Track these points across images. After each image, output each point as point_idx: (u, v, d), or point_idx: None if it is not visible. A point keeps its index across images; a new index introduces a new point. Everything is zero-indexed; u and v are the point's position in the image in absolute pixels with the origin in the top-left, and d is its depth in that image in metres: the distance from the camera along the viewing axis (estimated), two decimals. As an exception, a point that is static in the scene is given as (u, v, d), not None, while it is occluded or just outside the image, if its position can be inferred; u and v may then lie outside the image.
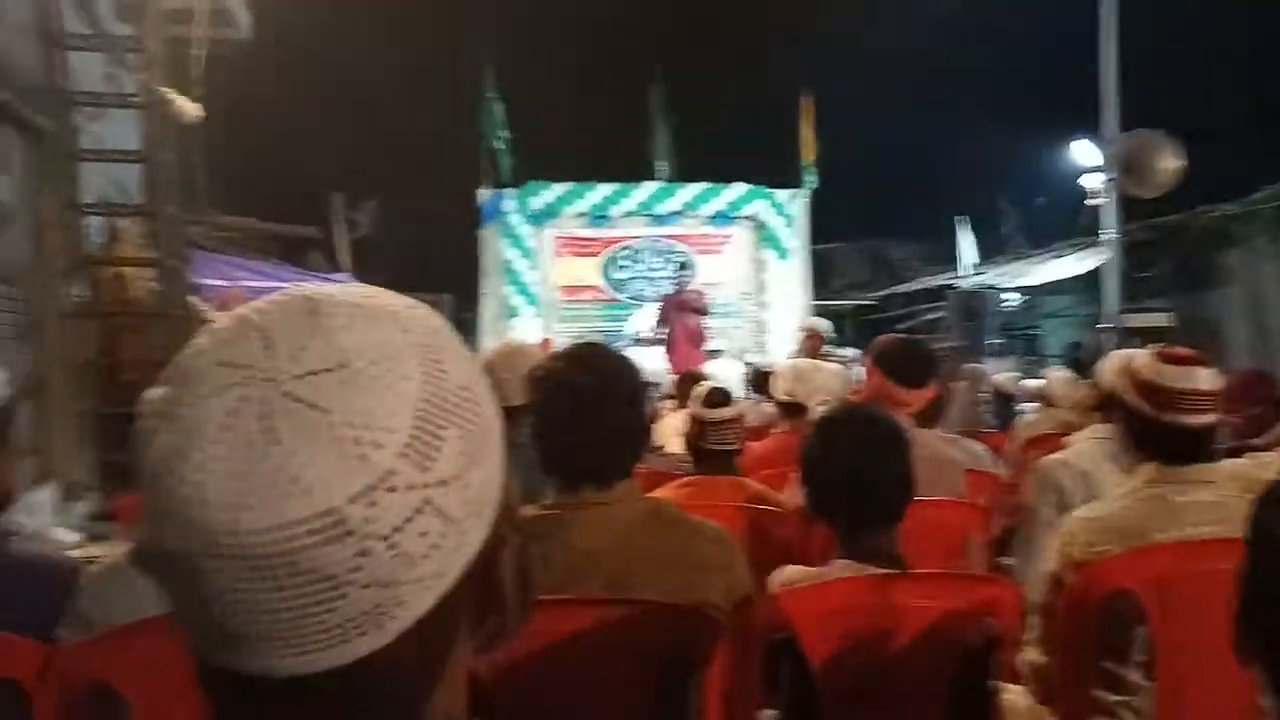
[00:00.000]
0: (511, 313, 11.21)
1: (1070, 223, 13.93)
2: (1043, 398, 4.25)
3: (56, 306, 6.35)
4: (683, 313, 9.64)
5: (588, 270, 11.78)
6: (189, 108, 6.55)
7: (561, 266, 11.70)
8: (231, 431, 0.47)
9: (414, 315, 0.53)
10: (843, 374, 4.13)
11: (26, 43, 6.02)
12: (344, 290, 0.53)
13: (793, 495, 2.60)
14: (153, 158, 6.66)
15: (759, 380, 5.96)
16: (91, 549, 3.40)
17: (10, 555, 1.59)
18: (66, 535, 5.00)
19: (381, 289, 0.55)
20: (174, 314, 6.51)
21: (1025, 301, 14.88)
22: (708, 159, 12.37)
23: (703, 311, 9.88)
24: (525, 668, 1.47)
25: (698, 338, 9.59)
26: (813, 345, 6.53)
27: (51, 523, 5.49)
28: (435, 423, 0.49)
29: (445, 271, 13.22)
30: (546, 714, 1.49)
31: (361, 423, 0.47)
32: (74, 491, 6.14)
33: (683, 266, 10.50)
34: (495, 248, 11.34)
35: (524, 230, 11.36)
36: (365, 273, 10.66)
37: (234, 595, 0.46)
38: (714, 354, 9.17)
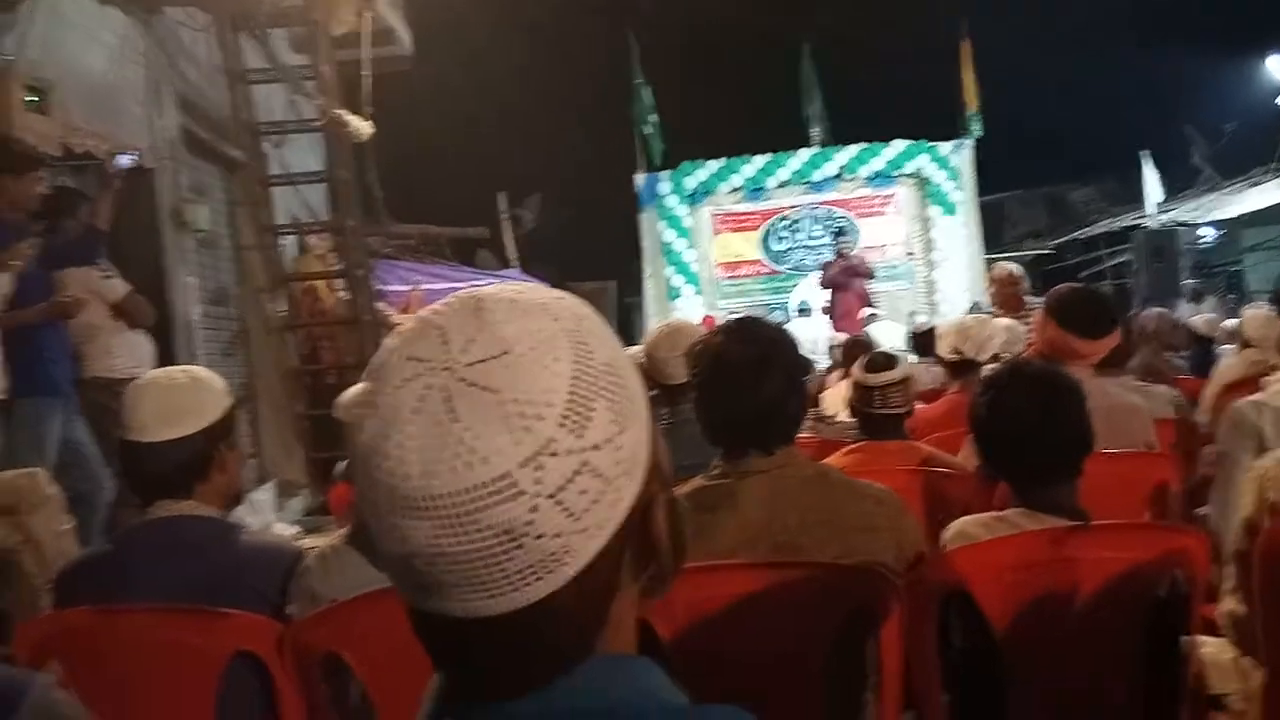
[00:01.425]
0: (673, 294, 11.33)
1: (1268, 147, 12.74)
2: (1239, 338, 3.96)
3: (261, 321, 6.93)
4: (847, 278, 9.47)
5: (746, 245, 11.76)
6: (362, 126, 6.98)
7: (720, 243, 11.73)
8: (421, 414, 0.56)
9: (562, 305, 0.62)
10: (1013, 327, 3.99)
11: (216, 83, 6.58)
12: (503, 288, 0.63)
13: (968, 457, 2.56)
14: (334, 176, 7.14)
15: (925, 341, 5.82)
16: (308, 540, 3.73)
17: (244, 544, 1.80)
18: (285, 529, 5.48)
19: (534, 284, 0.64)
20: (364, 320, 6.97)
21: (1221, 237, 13.75)
22: (863, 118, 12.03)
23: (868, 275, 9.66)
24: (700, 633, 1.54)
25: (864, 303, 9.40)
26: (1006, 294, 5.46)
27: (271, 518, 6.04)
28: (586, 395, 0.57)
29: (608, 258, 13.49)
30: (723, 678, 1.55)
31: (525, 399, 0.56)
32: (288, 489, 6.71)
33: (841, 232, 10.27)
34: (654, 231, 11.48)
35: (680, 211, 11.45)
36: (532, 266, 11.02)
37: (432, 549, 0.55)
38: (874, 318, 8.95)
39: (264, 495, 6.16)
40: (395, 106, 8.11)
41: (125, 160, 4.39)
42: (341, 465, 3.92)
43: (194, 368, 1.91)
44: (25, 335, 3.71)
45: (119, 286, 4.43)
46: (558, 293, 0.64)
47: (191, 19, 6.25)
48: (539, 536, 0.55)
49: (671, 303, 11.19)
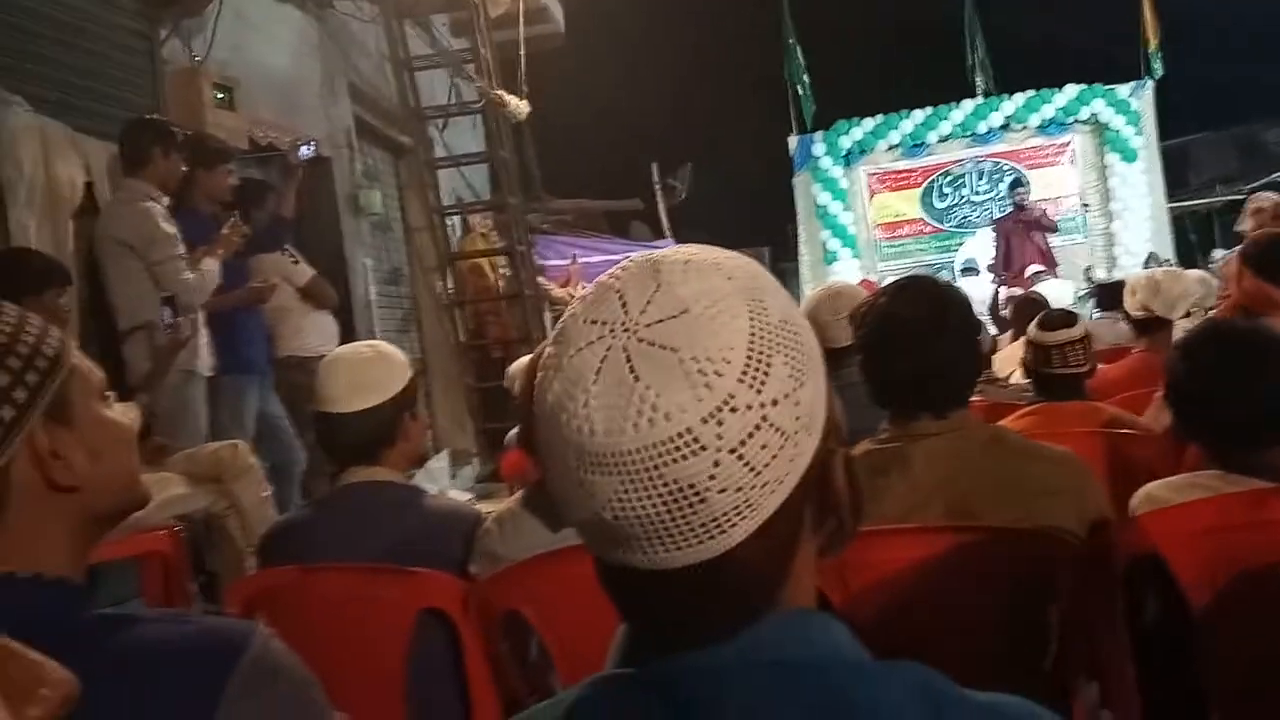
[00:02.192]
0: (830, 258, 11.10)
1: None
2: None
3: (431, 299, 7.26)
4: (1028, 231, 8.97)
5: (906, 204, 11.37)
6: (520, 105, 7.16)
7: (878, 204, 11.39)
8: (604, 374, 0.58)
9: (735, 264, 0.63)
10: (1205, 280, 3.71)
11: (383, 71, 6.89)
12: (678, 250, 0.64)
13: (1155, 418, 2.41)
14: (494, 156, 7.37)
15: (1110, 295, 5.49)
16: (481, 505, 3.90)
17: (428, 507, 1.91)
18: (460, 495, 5.75)
19: (708, 246, 0.65)
20: (526, 295, 7.18)
21: None
22: (1031, 63, 11.37)
23: (1050, 228, 9.14)
24: (871, 599, 1.52)
25: (1044, 259, 8.91)
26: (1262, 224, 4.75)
27: (446, 485, 6.34)
28: (764, 351, 0.58)
29: (761, 224, 13.34)
30: (896, 644, 1.53)
31: (704, 356, 0.57)
32: (460, 458, 7.04)
33: (1018, 183, 9.71)
34: (808, 194, 11.26)
35: (835, 172, 11.17)
36: (685, 235, 11.04)
37: (618, 504, 0.57)
38: (1041, 276, 8.47)
39: (439, 464, 6.47)
40: (550, 84, 8.27)
41: (306, 151, 4.66)
42: (512, 434, 4.07)
43: (379, 342, 2.02)
44: (226, 318, 4.02)
45: (306, 271, 4.73)
46: (731, 253, 0.65)
47: (360, 11, 6.55)
48: (721, 490, 0.57)
49: (828, 267, 10.97)
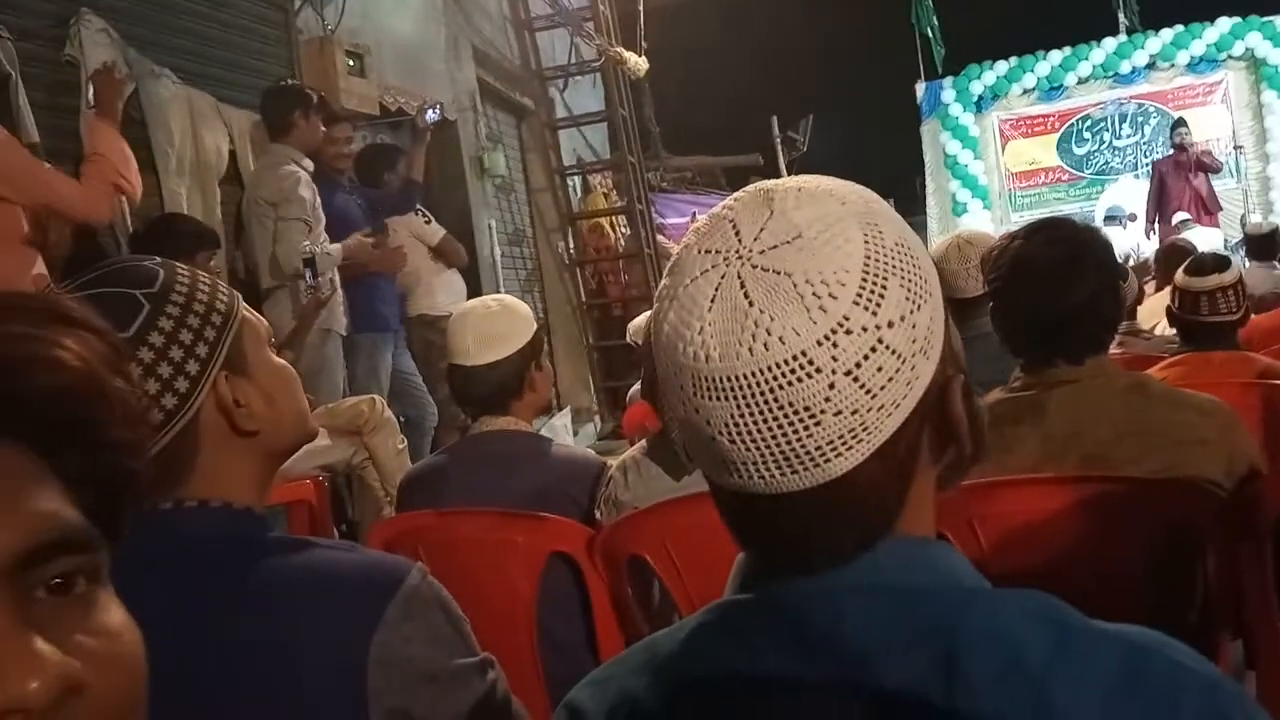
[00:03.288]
0: (958, 209, 10.71)
1: None
2: None
3: (553, 258, 7.38)
4: (1187, 174, 8.42)
5: (1042, 151, 10.84)
6: (639, 62, 7.14)
7: (1011, 151, 10.90)
8: (718, 301, 0.59)
9: (849, 189, 0.63)
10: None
11: (503, 33, 6.97)
12: (790, 179, 0.65)
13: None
14: (613, 115, 7.38)
15: (1264, 244, 5.13)
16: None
17: (555, 456, 1.96)
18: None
19: (819, 176, 0.65)
20: (646, 253, 7.22)
21: None
22: (1180, -4, 10.63)
23: (1214, 168, 8.55)
24: (1004, 552, 1.49)
25: (1206, 203, 8.36)
26: None
27: (569, 442, 6.48)
28: (879, 274, 0.58)
29: (885, 176, 12.93)
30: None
31: (819, 279, 0.57)
32: (582, 416, 7.17)
33: (1179, 123, 9.01)
34: (936, 143, 10.87)
35: (966, 119, 10.74)
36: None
37: (733, 429, 0.58)
38: (1188, 224, 7.95)
39: (561, 421, 6.61)
40: (668, 40, 8.21)
41: (433, 115, 4.77)
42: (634, 390, 4.12)
43: (505, 296, 2.08)
44: (362, 280, 4.18)
45: (437, 230, 4.87)
46: (843, 181, 0.65)
47: (481, -27, 6.64)
48: (836, 413, 0.57)
49: (956, 220, 10.59)
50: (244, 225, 3.87)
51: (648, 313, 4.07)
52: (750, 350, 0.57)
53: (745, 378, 0.57)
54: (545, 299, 7.34)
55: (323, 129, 3.89)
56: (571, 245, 7.38)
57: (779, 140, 11.83)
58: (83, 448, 0.46)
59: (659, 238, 7.72)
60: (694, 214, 8.60)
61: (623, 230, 7.59)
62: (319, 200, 3.76)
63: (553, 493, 1.86)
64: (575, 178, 7.71)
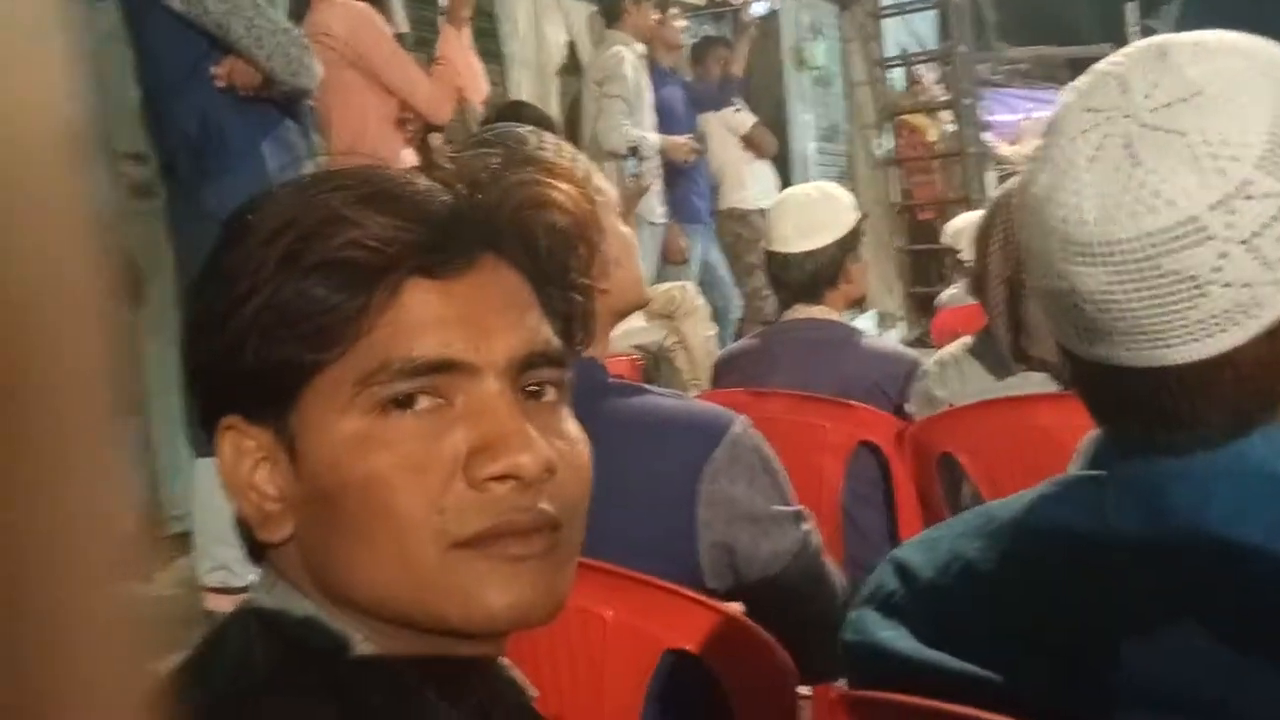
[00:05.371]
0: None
1: None
2: None
3: (867, 156, 7.15)
4: None
5: None
6: (977, -57, 6.60)
7: None
8: (1098, 162, 0.56)
9: (1254, 44, 0.58)
10: None
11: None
12: (1186, 34, 0.59)
13: None
14: (946, 2, 6.92)
15: None
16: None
17: (867, 347, 1.96)
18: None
19: (1220, 30, 0.59)
20: (969, 152, 6.80)
21: None
22: None
23: None
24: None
25: None
26: None
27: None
28: None
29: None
30: None
31: (1218, 140, 0.53)
32: (887, 321, 7.00)
33: None
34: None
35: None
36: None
37: (1105, 297, 0.56)
38: None
39: (866, 323, 6.50)
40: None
41: (760, 8, 4.73)
42: (944, 294, 3.97)
43: (827, 184, 2.08)
44: (678, 171, 4.31)
45: (747, 119, 4.89)
46: (1244, 35, 0.59)
47: None
48: (1226, 285, 0.53)
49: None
50: (578, 114, 4.09)
51: (967, 214, 3.87)
52: (1132, 214, 0.54)
53: (1124, 242, 0.54)
54: (857, 198, 7.16)
55: (655, 16, 3.99)
56: (888, 142, 7.10)
57: (1136, 29, 10.53)
58: (562, 284, 0.55)
59: (985, 136, 7.23)
60: (1028, 112, 7.94)
61: (947, 126, 7.17)
62: (646, 82, 3.88)
63: (864, 382, 1.87)
64: (897, 71, 7.35)
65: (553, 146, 1.00)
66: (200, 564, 2.20)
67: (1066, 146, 0.58)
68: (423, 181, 0.51)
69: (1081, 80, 0.61)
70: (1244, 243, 0.53)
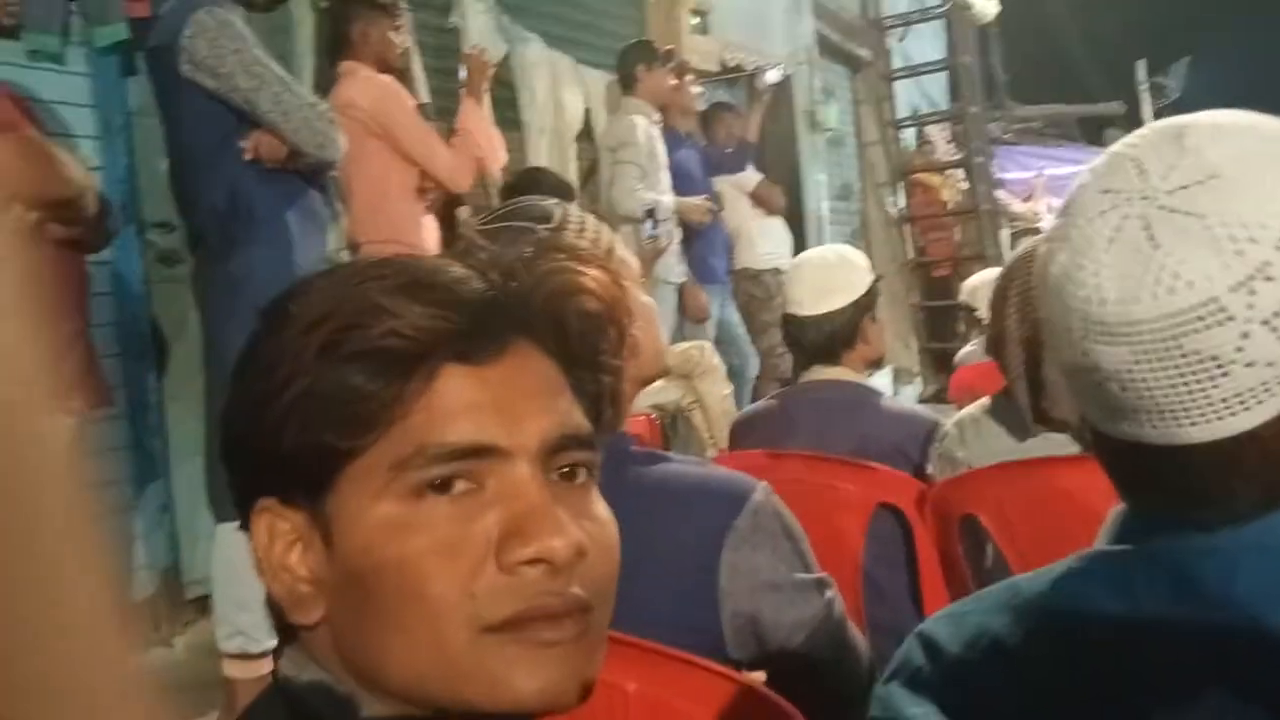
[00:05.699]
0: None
1: None
2: None
3: (881, 214, 7.20)
4: None
5: None
6: (987, 7, 6.73)
7: None
8: (1117, 244, 0.57)
9: (1272, 126, 0.59)
10: None
11: (844, -16, 6.84)
12: (1202, 115, 0.61)
13: None
14: (955, 64, 7.03)
15: None
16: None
17: (886, 408, 1.96)
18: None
19: (1235, 111, 0.61)
20: (982, 209, 6.84)
21: None
22: None
23: None
24: None
25: None
26: None
27: (890, 403, 6.35)
28: None
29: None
30: None
31: (1236, 223, 0.54)
32: (903, 377, 6.99)
33: None
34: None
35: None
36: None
37: (1128, 375, 0.57)
38: None
39: (881, 380, 6.50)
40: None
41: (774, 76, 4.81)
42: (964, 352, 3.97)
43: (843, 247, 2.10)
44: (696, 232, 4.35)
45: (752, 176, 4.94)
46: (1261, 115, 0.60)
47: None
48: (1249, 364, 0.54)
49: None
50: (594, 179, 4.15)
51: (983, 273, 3.87)
52: (1153, 295, 0.55)
53: (1145, 323, 0.55)
54: (871, 256, 7.20)
55: (672, 81, 4.06)
56: (901, 201, 7.16)
57: (1145, 86, 10.64)
58: (592, 366, 0.56)
59: (998, 194, 7.28)
60: (1040, 169, 8.00)
61: (959, 184, 7.23)
62: (661, 149, 3.94)
63: (883, 444, 1.87)
64: (909, 131, 7.45)
65: (576, 224, 1.02)
66: (219, 630, 2.19)
67: (1085, 227, 0.59)
68: (457, 269, 0.53)
69: (1098, 162, 0.62)
70: (1265, 322, 0.53)
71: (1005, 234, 7.11)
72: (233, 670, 2.16)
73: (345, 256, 2.86)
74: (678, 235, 4.10)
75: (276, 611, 0.54)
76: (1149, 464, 0.59)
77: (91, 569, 0.18)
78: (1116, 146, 0.62)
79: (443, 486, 0.50)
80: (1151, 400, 0.56)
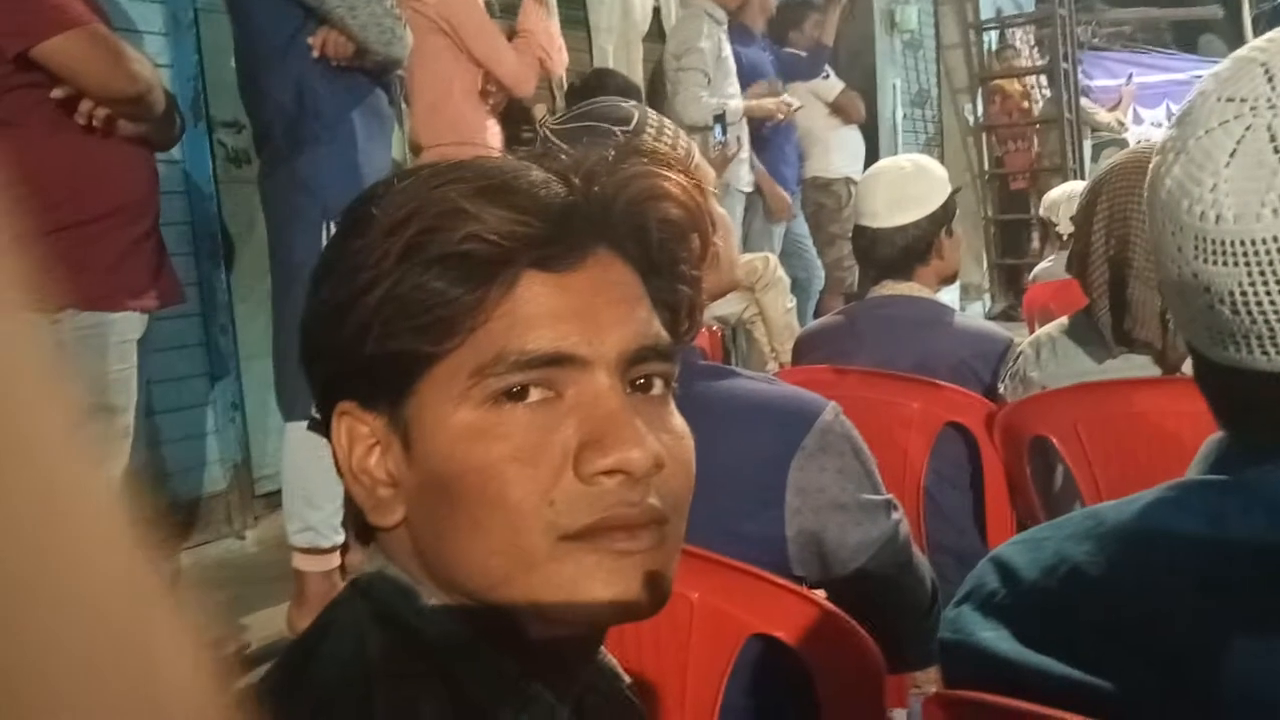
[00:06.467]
0: None
1: None
2: None
3: (957, 122, 6.94)
4: None
5: None
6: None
7: None
8: (1239, 156, 0.53)
9: None
10: None
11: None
12: None
13: None
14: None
15: None
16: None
17: (958, 325, 1.91)
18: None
19: None
20: (1065, 118, 6.55)
21: None
22: None
23: None
24: None
25: None
26: None
27: (957, 319, 6.21)
28: None
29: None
30: None
31: None
32: (971, 292, 6.83)
33: None
34: None
35: None
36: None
37: (1241, 298, 0.53)
38: None
39: (948, 296, 6.36)
40: None
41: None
42: (1039, 267, 3.85)
43: (920, 156, 2.01)
44: (765, 139, 4.24)
45: (835, 85, 4.77)
46: None
47: None
48: None
49: None
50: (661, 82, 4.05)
51: (1066, 185, 3.71)
52: (1275, 211, 0.51)
53: (1265, 242, 0.52)
54: (945, 166, 6.97)
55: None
56: (979, 108, 6.89)
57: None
58: (671, 276, 0.54)
59: (1083, 102, 6.96)
60: (1129, 75, 7.61)
61: (1043, 92, 6.92)
62: (727, 53, 3.81)
63: (953, 362, 1.82)
64: (991, 34, 7.11)
65: (655, 126, 0.99)
66: (289, 524, 2.26)
67: (1204, 138, 0.55)
68: (538, 173, 0.51)
69: (1221, 67, 0.58)
70: None
71: (1089, 145, 6.81)
72: (302, 563, 2.24)
73: (410, 161, 2.84)
74: (747, 141, 3.99)
75: (356, 514, 0.54)
76: (1255, 391, 0.56)
77: (79, 470, 0.17)
78: (1243, 51, 0.57)
79: (521, 394, 0.49)
80: (1265, 324, 0.53)
